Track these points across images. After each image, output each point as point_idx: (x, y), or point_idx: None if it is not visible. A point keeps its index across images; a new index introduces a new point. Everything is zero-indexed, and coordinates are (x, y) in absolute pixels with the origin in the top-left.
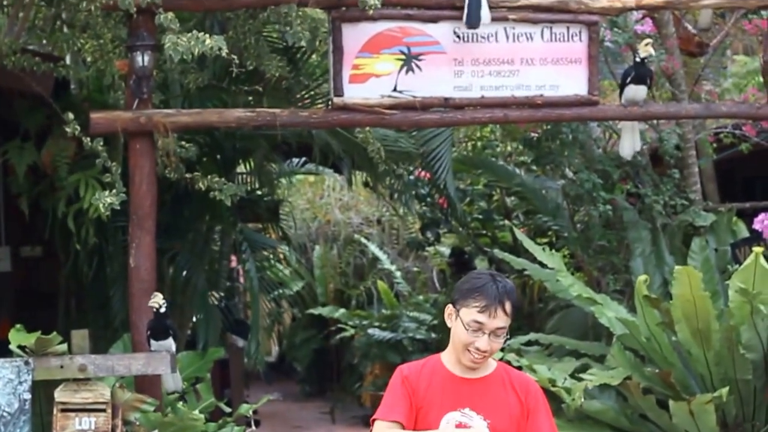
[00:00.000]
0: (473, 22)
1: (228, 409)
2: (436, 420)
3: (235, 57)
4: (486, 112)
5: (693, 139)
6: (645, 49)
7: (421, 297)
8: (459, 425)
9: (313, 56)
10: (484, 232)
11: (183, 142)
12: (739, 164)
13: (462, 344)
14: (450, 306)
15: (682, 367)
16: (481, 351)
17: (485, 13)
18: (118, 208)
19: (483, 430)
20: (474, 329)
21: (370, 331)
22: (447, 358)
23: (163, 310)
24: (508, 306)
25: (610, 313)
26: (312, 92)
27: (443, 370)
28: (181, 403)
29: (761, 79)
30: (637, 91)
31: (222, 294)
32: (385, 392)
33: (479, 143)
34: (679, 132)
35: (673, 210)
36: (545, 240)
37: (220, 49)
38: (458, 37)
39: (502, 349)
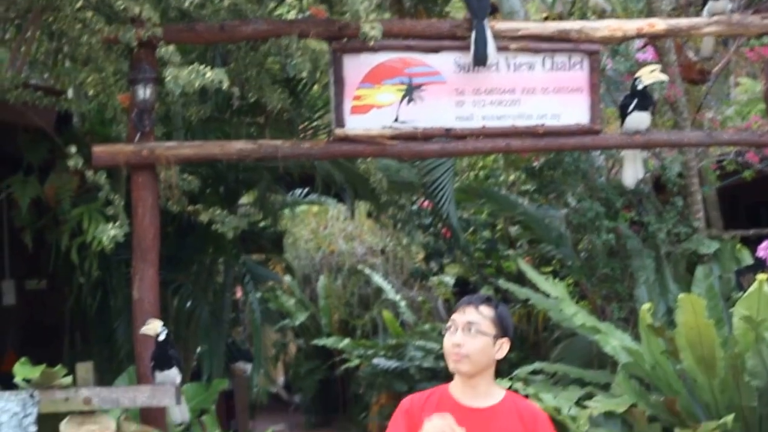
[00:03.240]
0: (480, 58)
1: None
2: None
3: (236, 89)
4: (488, 142)
5: (696, 167)
6: (651, 76)
7: (427, 326)
8: None
9: (315, 87)
10: (489, 261)
11: (185, 175)
12: (742, 191)
13: (445, 352)
14: None
15: (687, 395)
16: (455, 345)
17: (492, 49)
18: (122, 240)
19: None
20: (449, 329)
21: (375, 360)
22: (454, 388)
23: (162, 337)
24: (481, 307)
25: (615, 341)
26: (314, 123)
27: (450, 400)
28: None
29: (763, 106)
30: (641, 119)
31: (226, 325)
32: (388, 425)
33: (482, 173)
34: (681, 160)
35: (676, 238)
36: (549, 269)
37: (221, 81)
38: (459, 67)
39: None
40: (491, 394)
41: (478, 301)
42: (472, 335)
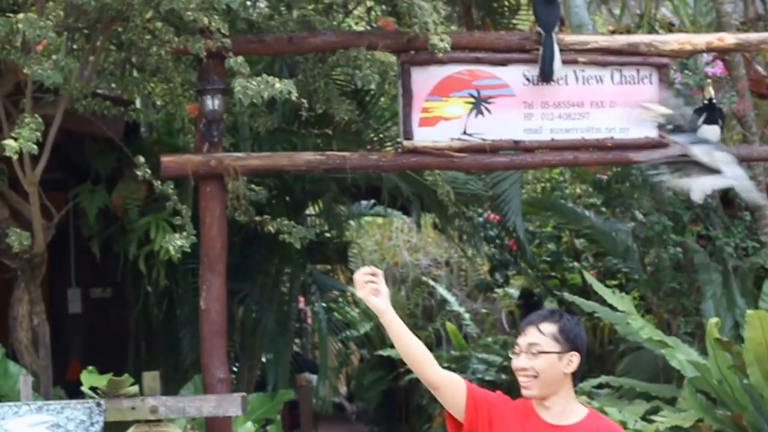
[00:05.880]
0: (546, 74)
1: None
2: None
3: (304, 100)
4: (556, 155)
5: (764, 181)
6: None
7: (490, 339)
8: None
9: (382, 99)
10: (554, 274)
11: (253, 185)
12: None
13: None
14: None
15: (754, 410)
16: (519, 369)
17: (558, 65)
18: (189, 250)
19: None
20: (514, 353)
21: None
22: (534, 403)
23: None
24: (542, 325)
25: (681, 355)
26: (381, 135)
27: (533, 414)
28: None
29: None
30: (711, 132)
31: (292, 335)
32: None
33: (548, 185)
34: (750, 174)
35: (744, 252)
36: (615, 282)
37: (289, 92)
38: (528, 80)
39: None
40: (571, 411)
41: (539, 319)
42: (534, 357)
